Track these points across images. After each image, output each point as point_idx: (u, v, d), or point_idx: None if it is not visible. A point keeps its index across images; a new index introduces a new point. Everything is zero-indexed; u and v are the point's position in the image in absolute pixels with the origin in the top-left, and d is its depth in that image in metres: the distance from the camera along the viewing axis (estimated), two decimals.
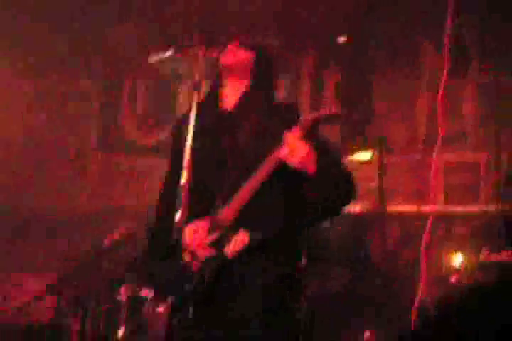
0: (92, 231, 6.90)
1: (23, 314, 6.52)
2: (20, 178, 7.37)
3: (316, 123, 3.77)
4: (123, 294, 6.01)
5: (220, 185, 3.90)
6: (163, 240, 3.99)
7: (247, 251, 3.81)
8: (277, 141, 3.73)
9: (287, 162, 3.69)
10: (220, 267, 3.81)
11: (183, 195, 3.77)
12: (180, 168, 3.93)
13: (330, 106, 3.80)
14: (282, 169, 3.76)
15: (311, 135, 3.77)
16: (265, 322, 3.80)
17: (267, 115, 3.94)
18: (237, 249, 3.80)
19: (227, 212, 3.82)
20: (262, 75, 4.05)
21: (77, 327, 6.34)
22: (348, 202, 3.96)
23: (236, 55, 3.99)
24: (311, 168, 3.73)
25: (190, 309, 3.78)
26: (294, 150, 3.68)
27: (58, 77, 7.62)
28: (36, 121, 7.50)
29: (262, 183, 3.78)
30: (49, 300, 6.52)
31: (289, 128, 3.72)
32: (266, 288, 3.84)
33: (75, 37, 7.43)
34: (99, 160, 7.68)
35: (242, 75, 4.02)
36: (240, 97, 4.01)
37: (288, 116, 3.88)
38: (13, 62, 7.34)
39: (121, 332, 5.86)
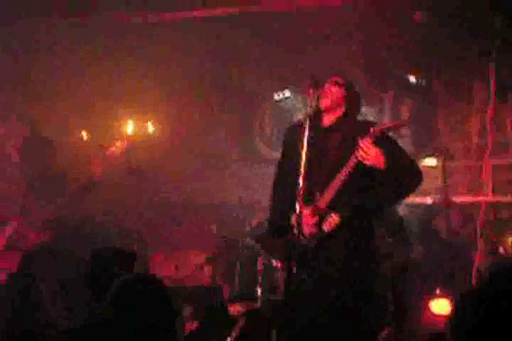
0: (235, 218, 7.12)
1: (190, 279, 6.73)
2: (192, 179, 7.68)
3: (383, 132, 4.08)
4: (259, 264, 6.24)
5: (318, 181, 4.18)
6: (278, 222, 4.36)
7: (339, 228, 4.15)
8: (357, 147, 4.06)
9: (363, 162, 4.04)
10: (321, 240, 4.16)
11: (299, 193, 3.94)
12: (286, 166, 4.32)
13: (395, 120, 4.19)
14: (360, 167, 4.09)
15: (381, 140, 4.07)
16: (352, 278, 4.14)
17: (352, 129, 4.25)
18: (332, 226, 4.15)
19: (323, 201, 4.14)
20: (350, 105, 4.34)
21: (227, 288, 6.60)
22: (414, 188, 4.19)
23: (331, 91, 4.31)
24: (381, 165, 4.04)
25: (302, 270, 4.09)
26: (368, 153, 4.01)
27: (206, 111, 7.94)
28: (203, 139, 7.87)
29: (347, 178, 4.10)
30: (207, 269, 6.73)
31: (364, 134, 4.06)
32: (351, 253, 4.14)
33: (221, 83, 7.82)
34: (240, 168, 7.94)
35: (336, 105, 4.31)
36: (334, 119, 4.32)
37: (366, 129, 4.14)
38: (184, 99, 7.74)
39: (259, 290, 6.08)
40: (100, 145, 5.49)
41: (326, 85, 4.31)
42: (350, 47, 7.11)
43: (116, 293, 3.22)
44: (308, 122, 4.10)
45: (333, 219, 4.15)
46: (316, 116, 4.28)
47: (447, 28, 6.70)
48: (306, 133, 4.08)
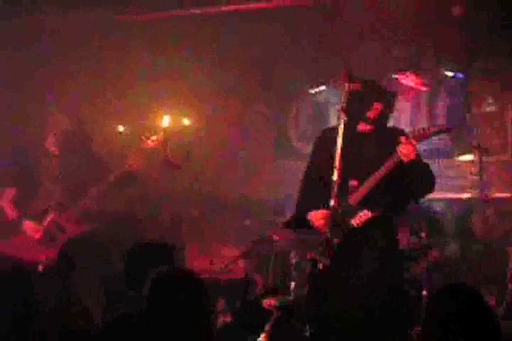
0: (268, 213, 7.24)
1: (224, 272, 6.74)
2: (224, 176, 7.76)
3: (425, 136, 4.27)
4: (293, 257, 6.19)
5: (350, 179, 4.32)
6: (304, 216, 4.45)
7: (367, 223, 4.28)
8: (390, 149, 4.25)
9: (404, 160, 4.20)
10: (346, 233, 4.27)
11: (334, 188, 4.22)
12: (318, 163, 4.50)
13: (437, 124, 4.34)
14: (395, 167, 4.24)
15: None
16: (377, 274, 4.26)
17: (383, 133, 4.45)
18: (361, 220, 4.28)
19: (357, 196, 4.29)
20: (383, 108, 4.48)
21: (261, 281, 6.66)
22: (433, 188, 4.40)
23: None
24: (416, 163, 4.24)
25: (326, 262, 4.23)
26: (410, 152, 4.20)
27: (241, 105, 7.95)
28: (232, 134, 7.91)
29: (382, 177, 4.25)
30: (242, 262, 6.75)
31: (399, 140, 4.23)
32: (376, 250, 4.29)
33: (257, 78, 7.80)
34: (273, 162, 7.94)
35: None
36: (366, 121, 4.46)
37: (398, 134, 4.36)
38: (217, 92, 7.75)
39: (292, 284, 6.06)
40: (141, 138, 5.58)
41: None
42: (387, 42, 7.18)
43: (152, 285, 3.29)
44: (342, 117, 4.28)
45: (364, 214, 4.25)
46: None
47: (483, 22, 6.72)
48: (342, 128, 4.26)
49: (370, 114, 4.40)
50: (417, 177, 4.30)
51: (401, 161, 4.23)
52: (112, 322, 3.46)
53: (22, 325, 3.56)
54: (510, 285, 5.84)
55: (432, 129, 4.32)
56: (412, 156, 4.19)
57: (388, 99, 4.50)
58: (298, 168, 7.21)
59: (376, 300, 4.25)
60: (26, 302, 3.60)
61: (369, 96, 4.38)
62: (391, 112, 4.57)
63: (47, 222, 5.50)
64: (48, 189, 5.65)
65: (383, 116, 4.47)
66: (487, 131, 7.11)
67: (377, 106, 4.41)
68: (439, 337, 2.93)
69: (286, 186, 7.40)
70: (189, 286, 3.30)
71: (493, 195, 6.84)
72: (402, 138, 4.22)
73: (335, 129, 4.39)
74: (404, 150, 4.19)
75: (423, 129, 4.32)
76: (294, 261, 6.27)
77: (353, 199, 4.28)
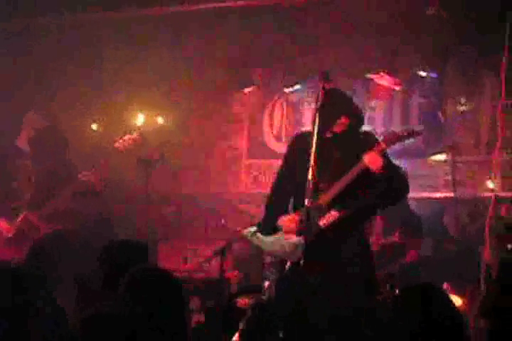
0: (244, 211, 7.29)
1: (198, 271, 6.79)
2: (199, 175, 7.81)
3: (393, 142, 4.35)
4: (267, 257, 6.06)
5: (323, 180, 4.42)
6: (274, 218, 4.56)
7: (336, 224, 4.37)
8: (361, 153, 4.32)
9: (369, 166, 4.28)
10: (316, 234, 4.33)
11: (309, 187, 4.21)
12: (289, 169, 4.58)
13: (407, 129, 4.40)
14: (363, 172, 4.34)
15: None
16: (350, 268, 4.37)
17: (353, 138, 4.50)
18: (328, 221, 4.36)
19: (326, 198, 4.37)
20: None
21: (235, 280, 6.65)
22: (405, 194, 4.54)
23: None
24: (381, 172, 4.30)
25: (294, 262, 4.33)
26: (376, 159, 4.27)
27: (217, 104, 7.96)
28: (207, 135, 7.91)
29: (350, 181, 4.34)
30: (216, 261, 6.58)
31: (370, 146, 4.31)
32: (346, 251, 4.40)
33: (231, 76, 7.78)
34: (247, 162, 7.93)
35: None
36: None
37: (368, 139, 4.45)
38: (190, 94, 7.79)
39: (266, 283, 6.01)
40: (115, 138, 5.60)
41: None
42: (362, 42, 7.20)
43: (128, 283, 3.32)
44: (317, 118, 4.27)
45: (332, 215, 4.35)
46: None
47: (457, 22, 6.82)
48: (316, 129, 4.27)
49: (337, 129, 4.44)
50: (384, 186, 4.36)
51: (368, 168, 4.31)
52: (87, 322, 3.47)
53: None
54: (483, 286, 5.90)
55: (403, 134, 4.41)
56: (379, 166, 4.26)
57: (355, 112, 4.55)
58: (272, 167, 7.36)
59: (349, 303, 4.32)
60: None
61: (335, 108, 4.42)
62: (359, 121, 4.58)
63: (20, 220, 5.50)
64: (21, 187, 5.65)
65: (351, 127, 4.50)
66: (460, 131, 7.16)
67: (344, 120, 4.46)
68: (405, 335, 2.98)
69: (261, 185, 7.57)
70: (164, 285, 3.33)
71: (465, 195, 6.88)
72: (373, 149, 4.30)
73: (308, 133, 4.45)
74: (371, 159, 4.27)
75: (393, 135, 4.42)
76: (267, 260, 6.27)
77: (323, 200, 4.36)
